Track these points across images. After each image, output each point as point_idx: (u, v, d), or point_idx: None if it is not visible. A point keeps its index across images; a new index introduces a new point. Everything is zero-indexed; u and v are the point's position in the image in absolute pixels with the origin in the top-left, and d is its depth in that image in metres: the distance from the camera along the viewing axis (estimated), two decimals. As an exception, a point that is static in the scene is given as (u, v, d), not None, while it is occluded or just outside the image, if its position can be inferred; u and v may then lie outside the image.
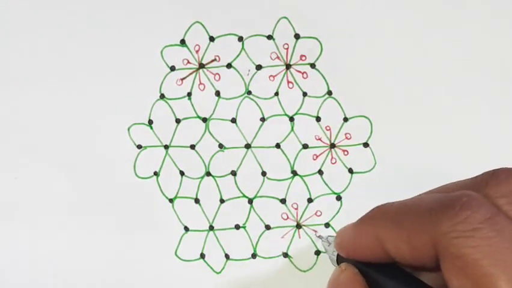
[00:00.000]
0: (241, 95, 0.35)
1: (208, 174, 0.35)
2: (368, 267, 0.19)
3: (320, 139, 0.35)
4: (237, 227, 0.35)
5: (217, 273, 0.35)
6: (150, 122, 0.35)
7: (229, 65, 0.35)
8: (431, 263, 0.16)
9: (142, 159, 0.35)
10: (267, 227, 0.35)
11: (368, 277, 0.19)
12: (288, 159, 0.35)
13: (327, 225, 0.35)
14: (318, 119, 0.35)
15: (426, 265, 0.16)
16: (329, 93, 0.35)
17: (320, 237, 0.25)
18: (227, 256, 0.35)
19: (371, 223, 0.18)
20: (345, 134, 0.35)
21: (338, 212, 0.35)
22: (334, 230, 0.35)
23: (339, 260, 0.21)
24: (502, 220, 0.15)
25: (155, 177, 0.35)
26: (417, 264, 0.16)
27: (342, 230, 0.20)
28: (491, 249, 0.14)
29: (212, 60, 0.35)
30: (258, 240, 0.35)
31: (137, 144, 0.35)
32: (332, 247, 0.23)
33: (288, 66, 0.35)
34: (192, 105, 0.35)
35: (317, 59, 0.34)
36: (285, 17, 0.34)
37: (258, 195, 0.35)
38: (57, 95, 0.35)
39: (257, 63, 0.35)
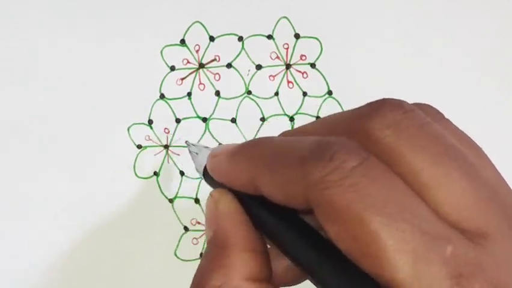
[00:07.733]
0: (241, 95, 0.35)
1: (208, 174, 0.35)
2: (241, 194, 0.18)
3: (320, 139, 0.35)
4: (237, 227, 0.35)
5: (217, 273, 0.35)
6: (150, 122, 0.35)
7: (229, 65, 0.35)
8: (305, 209, 0.15)
9: (142, 159, 0.35)
10: (267, 227, 0.35)
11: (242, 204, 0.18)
12: (288, 159, 0.35)
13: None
14: (318, 119, 0.35)
15: (301, 210, 0.16)
16: (329, 93, 0.35)
17: (187, 144, 0.23)
18: (227, 256, 0.35)
19: (245, 162, 0.17)
20: (345, 134, 0.35)
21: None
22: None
23: (208, 178, 0.20)
24: (371, 163, 0.14)
25: (155, 177, 0.35)
26: (292, 208, 0.16)
27: (216, 153, 0.19)
28: (359, 194, 0.14)
29: (212, 60, 0.35)
30: (258, 240, 0.35)
31: (137, 144, 0.35)
32: (200, 159, 0.21)
33: (288, 66, 0.35)
34: (192, 105, 0.35)
35: (317, 59, 0.34)
36: (285, 17, 0.34)
37: (258, 195, 0.35)
38: (57, 95, 0.35)
39: (257, 63, 0.35)
